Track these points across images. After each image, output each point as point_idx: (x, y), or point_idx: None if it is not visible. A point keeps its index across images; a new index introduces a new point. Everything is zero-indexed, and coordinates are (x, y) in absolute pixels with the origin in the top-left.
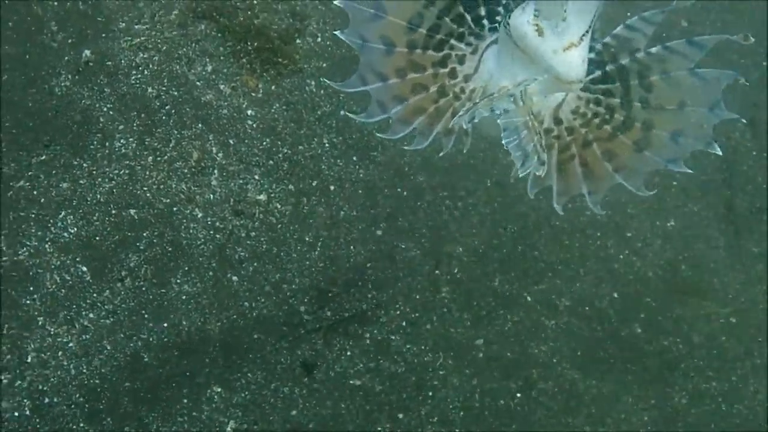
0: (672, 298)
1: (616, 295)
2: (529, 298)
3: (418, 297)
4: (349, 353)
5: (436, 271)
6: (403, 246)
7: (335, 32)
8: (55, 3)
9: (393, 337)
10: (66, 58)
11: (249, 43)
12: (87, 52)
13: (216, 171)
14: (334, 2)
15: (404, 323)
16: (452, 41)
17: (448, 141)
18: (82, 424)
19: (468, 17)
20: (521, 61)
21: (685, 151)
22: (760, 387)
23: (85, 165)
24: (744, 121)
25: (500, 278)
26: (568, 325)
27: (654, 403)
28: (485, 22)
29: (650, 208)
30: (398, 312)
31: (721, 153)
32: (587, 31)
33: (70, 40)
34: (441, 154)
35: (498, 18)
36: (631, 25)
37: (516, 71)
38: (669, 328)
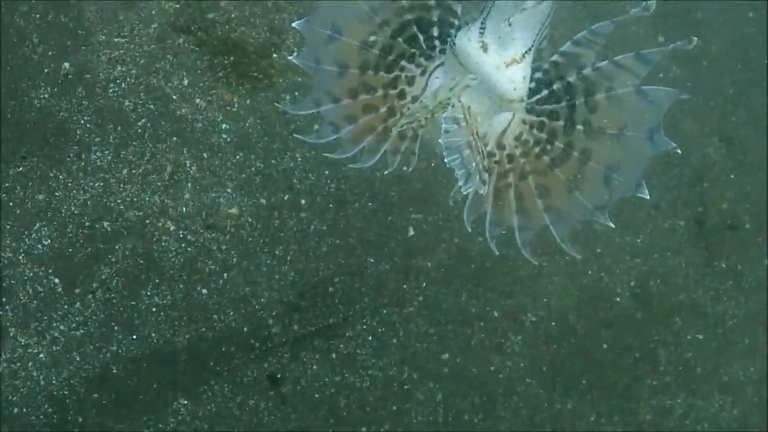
0: (639, 315)
1: (583, 311)
2: (495, 314)
3: (385, 311)
4: (315, 367)
5: (404, 286)
6: (372, 260)
7: (289, 57)
8: (37, 15)
9: (359, 352)
10: (46, 70)
11: (226, 57)
12: (66, 65)
13: (189, 184)
14: (292, 24)
15: (370, 338)
16: (403, 62)
17: (394, 159)
18: None
19: (421, 38)
20: (464, 79)
21: (614, 197)
22: (726, 405)
23: (60, 177)
24: (679, 151)
25: (467, 293)
26: (534, 340)
27: (618, 419)
28: (437, 42)
29: (620, 224)
30: (365, 326)
31: (648, 197)
32: (530, 49)
33: (50, 53)
34: (387, 172)
35: (449, 39)
36: (579, 40)
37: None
38: (635, 344)
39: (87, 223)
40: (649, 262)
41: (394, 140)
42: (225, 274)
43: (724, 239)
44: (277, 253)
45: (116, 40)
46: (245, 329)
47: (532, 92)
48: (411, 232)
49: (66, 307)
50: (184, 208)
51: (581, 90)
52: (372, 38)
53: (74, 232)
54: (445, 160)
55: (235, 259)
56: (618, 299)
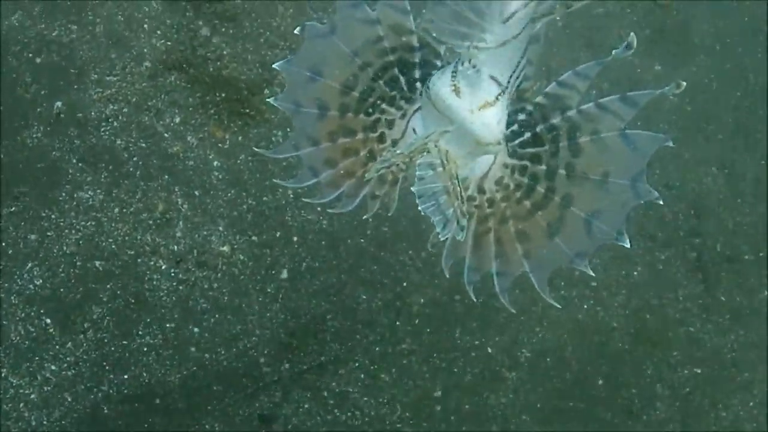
0: (636, 349)
1: (578, 345)
2: (489, 350)
3: (377, 349)
4: (306, 405)
5: (397, 323)
6: (364, 297)
7: (268, 100)
8: (30, 55)
9: (351, 390)
10: (38, 109)
11: (217, 94)
12: (59, 104)
13: (181, 222)
14: (273, 65)
15: (362, 375)
16: (383, 105)
17: (373, 204)
18: None
19: (402, 80)
20: (440, 123)
21: (595, 244)
22: None
23: (53, 217)
24: (661, 202)
25: (461, 329)
26: (529, 376)
27: None
28: (418, 85)
29: (616, 257)
30: (357, 364)
31: (629, 246)
32: (504, 91)
33: (43, 92)
34: (365, 217)
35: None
36: (563, 82)
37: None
38: (632, 379)
39: (79, 263)
40: (645, 296)
41: (373, 185)
42: (216, 313)
43: (722, 270)
44: (269, 290)
45: (108, 78)
46: (237, 368)
47: (514, 135)
48: (403, 268)
49: (57, 347)
50: (175, 247)
51: (565, 132)
52: (353, 80)
53: (66, 272)
54: (420, 208)
55: (226, 298)
56: (614, 333)
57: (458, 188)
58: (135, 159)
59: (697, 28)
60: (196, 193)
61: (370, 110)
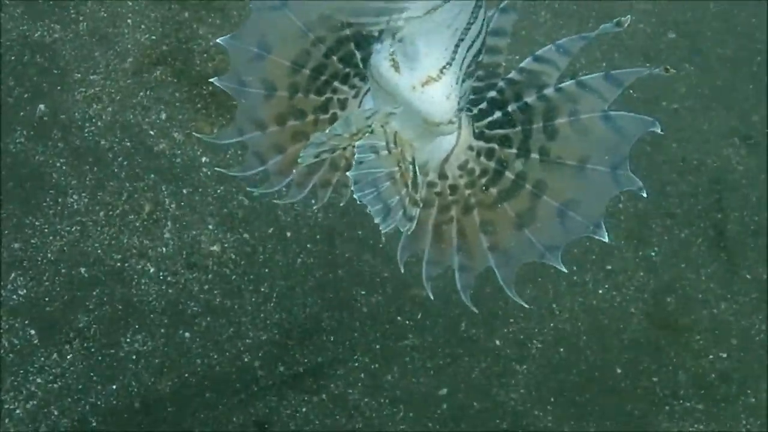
0: (656, 335)
1: (593, 334)
2: (497, 342)
3: (378, 347)
4: (304, 409)
5: (398, 318)
6: (363, 292)
7: (211, 80)
8: (13, 58)
9: (350, 391)
10: (21, 113)
11: (204, 88)
12: (42, 107)
13: (169, 223)
14: (217, 40)
15: (363, 375)
16: (336, 83)
17: (324, 193)
18: None
19: (358, 55)
20: (388, 102)
21: (569, 237)
22: (753, 428)
23: (37, 223)
24: (645, 194)
25: (467, 322)
26: (541, 369)
27: None
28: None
29: (632, 237)
30: (357, 363)
31: (607, 240)
32: (450, 63)
33: (26, 95)
34: (315, 208)
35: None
36: (541, 56)
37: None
38: (653, 367)
39: (63, 270)
40: (664, 278)
41: (325, 171)
42: (208, 316)
43: (747, 246)
44: (262, 290)
45: (92, 77)
46: (230, 373)
47: (482, 114)
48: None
49: (43, 359)
50: (163, 249)
51: (540, 113)
52: (304, 56)
53: (51, 280)
54: (355, 196)
55: (218, 300)
56: (632, 319)
57: (409, 174)
58: (120, 159)
59: None
60: (184, 191)
61: (322, 89)
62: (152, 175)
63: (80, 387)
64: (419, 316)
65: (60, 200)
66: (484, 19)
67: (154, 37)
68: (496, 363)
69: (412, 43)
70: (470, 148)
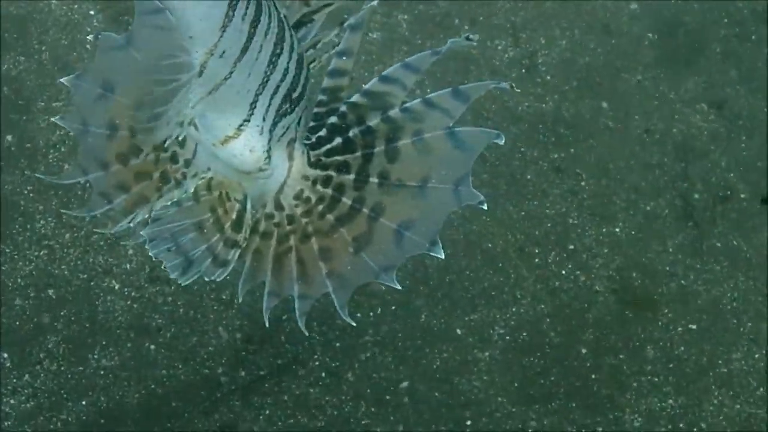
0: (622, 311)
1: (557, 316)
2: (459, 331)
3: (338, 344)
4: (267, 411)
5: (358, 314)
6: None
7: (53, 119)
8: None
9: (311, 390)
10: None
11: None
12: (9, 137)
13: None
14: (60, 80)
15: (323, 374)
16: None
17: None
18: None
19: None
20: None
21: (405, 256)
22: (726, 400)
23: (7, 251)
24: (485, 207)
25: (427, 313)
26: (504, 355)
27: (602, 430)
28: None
29: (595, 214)
30: (317, 363)
31: (443, 257)
32: (246, 120)
33: None
34: (127, 244)
35: None
36: (388, 76)
37: (206, 159)
38: (619, 344)
39: (33, 294)
40: (630, 253)
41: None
42: (172, 328)
43: (716, 214)
44: (223, 297)
45: (54, 104)
46: (195, 381)
47: (321, 141)
48: None
49: (15, 380)
50: (128, 265)
51: (383, 136)
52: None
53: (21, 304)
54: (150, 253)
55: (181, 310)
56: (597, 297)
57: (236, 213)
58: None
59: None
60: None
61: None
62: None
63: (52, 405)
64: (378, 311)
65: (29, 226)
66: (296, 52)
67: None
68: (458, 352)
69: (203, 116)
70: (305, 177)
